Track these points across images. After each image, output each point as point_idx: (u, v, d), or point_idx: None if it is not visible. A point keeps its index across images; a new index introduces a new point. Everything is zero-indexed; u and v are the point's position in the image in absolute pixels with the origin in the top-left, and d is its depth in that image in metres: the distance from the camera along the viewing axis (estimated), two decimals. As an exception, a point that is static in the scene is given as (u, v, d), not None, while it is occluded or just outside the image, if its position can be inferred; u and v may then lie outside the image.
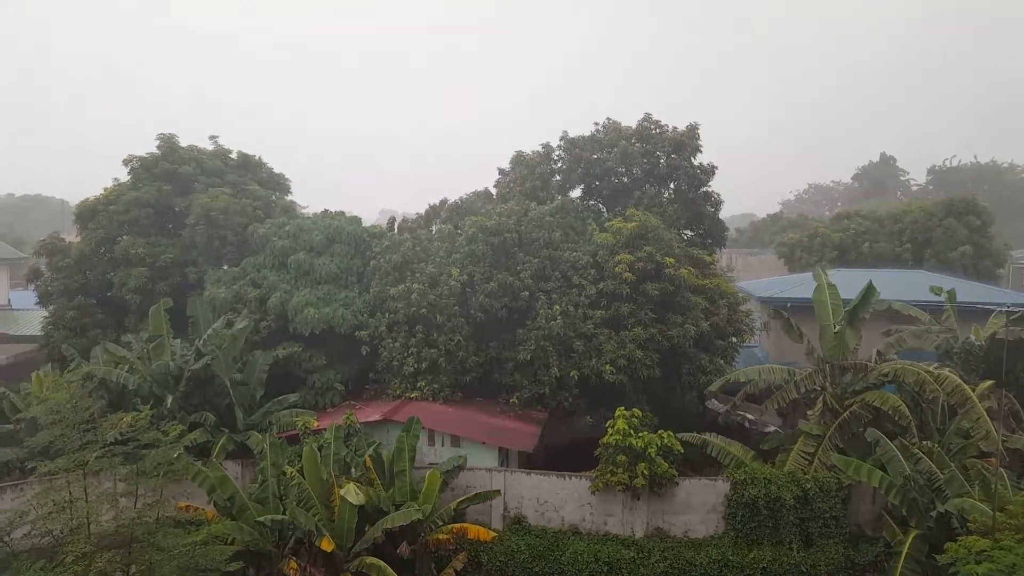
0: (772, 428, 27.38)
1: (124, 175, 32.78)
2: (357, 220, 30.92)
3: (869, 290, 22.10)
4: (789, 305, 29.79)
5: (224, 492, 18.66)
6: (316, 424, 22.52)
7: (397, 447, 20.34)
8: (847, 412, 20.94)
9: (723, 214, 33.55)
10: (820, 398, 21.80)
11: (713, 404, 29.34)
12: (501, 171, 34.79)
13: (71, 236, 34.69)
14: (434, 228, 32.19)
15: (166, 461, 16.29)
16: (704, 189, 32.03)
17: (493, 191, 34.85)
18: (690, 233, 32.02)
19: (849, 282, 26.28)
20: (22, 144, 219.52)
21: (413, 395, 25.09)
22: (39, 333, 31.83)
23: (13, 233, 70.19)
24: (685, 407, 26.41)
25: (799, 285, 33.60)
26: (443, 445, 23.21)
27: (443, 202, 34.49)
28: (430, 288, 25.78)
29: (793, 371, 22.98)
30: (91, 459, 15.22)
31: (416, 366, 25.19)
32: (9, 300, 50.34)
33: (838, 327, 21.99)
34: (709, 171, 31.83)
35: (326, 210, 32.21)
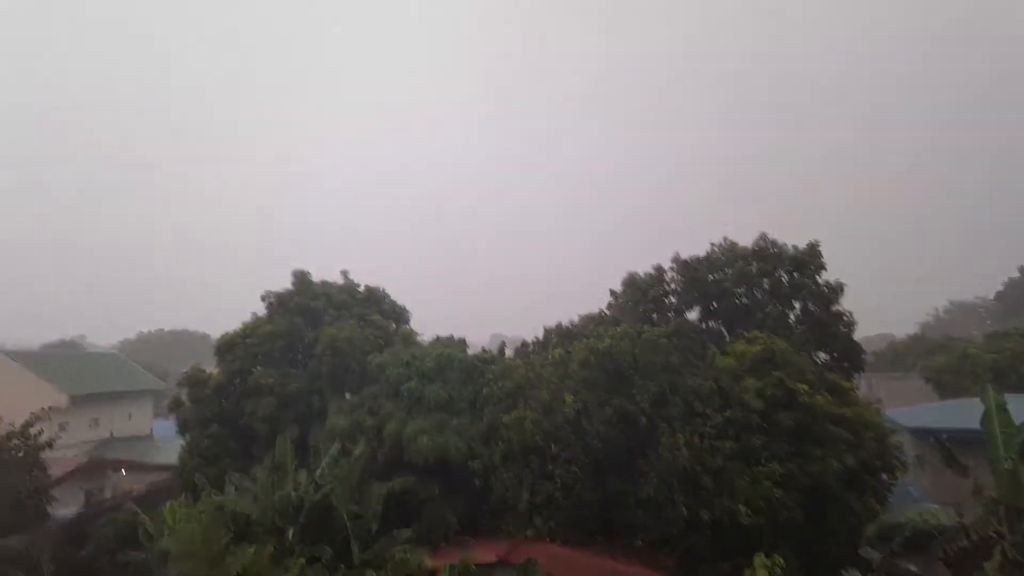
0: (939, 581, 23.82)
1: (262, 310, 35.04)
2: (466, 346, 31.28)
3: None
4: (945, 436, 26.72)
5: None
6: (431, 563, 21.73)
7: (513, 591, 19.16)
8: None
9: (857, 335, 31.26)
10: (997, 547, 18.82)
11: (867, 552, 26.03)
12: (613, 293, 34.48)
13: (211, 368, 36.98)
14: (548, 351, 31.95)
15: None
16: (834, 308, 30.14)
17: (605, 314, 34.44)
18: (823, 356, 29.94)
19: (1017, 409, 23.33)
20: (174, 282, 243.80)
21: (529, 533, 23.92)
22: (176, 463, 33.44)
23: (160, 366, 76.22)
24: (834, 555, 23.55)
25: (954, 413, 30.30)
26: (562, 589, 21.67)
27: (555, 326, 34.41)
28: (544, 416, 25.13)
29: (961, 514, 20.13)
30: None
31: (531, 500, 24.16)
32: (151, 430, 53.96)
33: (1011, 462, 19.27)
34: (837, 289, 29.99)
35: (438, 337, 32.86)
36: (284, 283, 35.06)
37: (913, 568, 21.96)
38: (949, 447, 21.99)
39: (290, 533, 22.34)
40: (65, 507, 33.65)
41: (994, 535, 19.09)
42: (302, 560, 19.84)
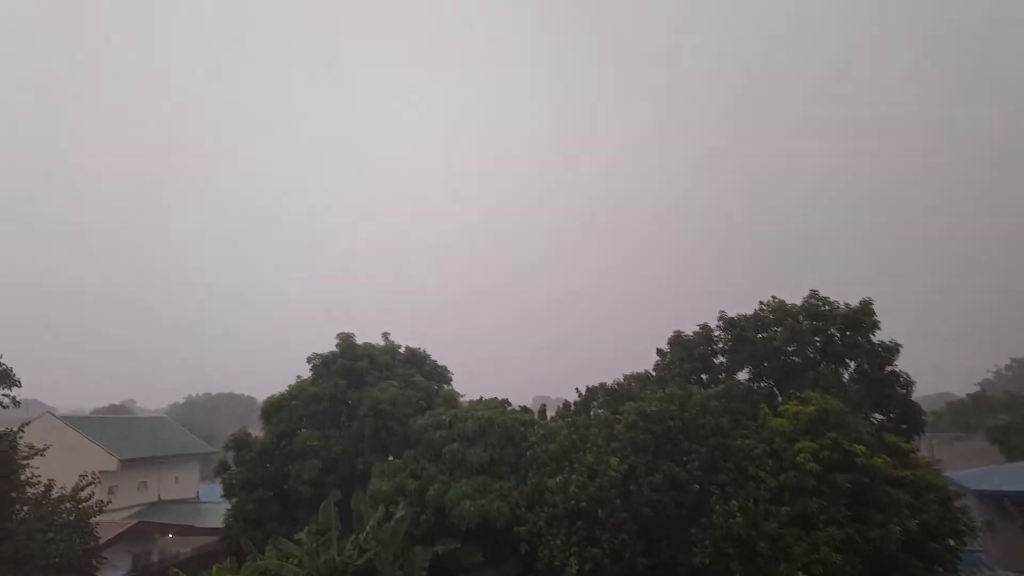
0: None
1: (307, 372, 35.43)
2: (509, 407, 30.99)
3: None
4: (1015, 500, 25.30)
5: None
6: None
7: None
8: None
9: (915, 395, 30.09)
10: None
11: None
12: (659, 352, 33.90)
13: (257, 431, 37.29)
14: (592, 412, 31.43)
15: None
16: (890, 368, 29.14)
17: (652, 374, 33.85)
18: (879, 417, 28.83)
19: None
20: (221, 345, 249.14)
21: (576, 602, 23.11)
22: (222, 526, 33.45)
23: (207, 429, 77.18)
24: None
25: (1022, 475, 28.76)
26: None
27: (599, 386, 33.92)
28: (589, 480, 24.57)
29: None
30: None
31: (579, 567, 23.42)
32: (198, 493, 54.31)
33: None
34: (892, 349, 28.99)
35: (481, 398, 32.69)
36: (329, 345, 35.54)
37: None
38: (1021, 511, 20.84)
39: (334, 599, 22.04)
40: (113, 570, 33.84)
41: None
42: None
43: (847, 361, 29.63)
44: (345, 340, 35.53)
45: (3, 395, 26.42)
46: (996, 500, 26.23)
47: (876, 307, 29.39)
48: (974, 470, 40.35)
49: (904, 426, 28.90)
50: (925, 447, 48.10)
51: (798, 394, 26.49)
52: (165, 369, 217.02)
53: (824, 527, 21.52)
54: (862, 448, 22.47)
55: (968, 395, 78.89)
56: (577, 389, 34.66)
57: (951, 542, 23.27)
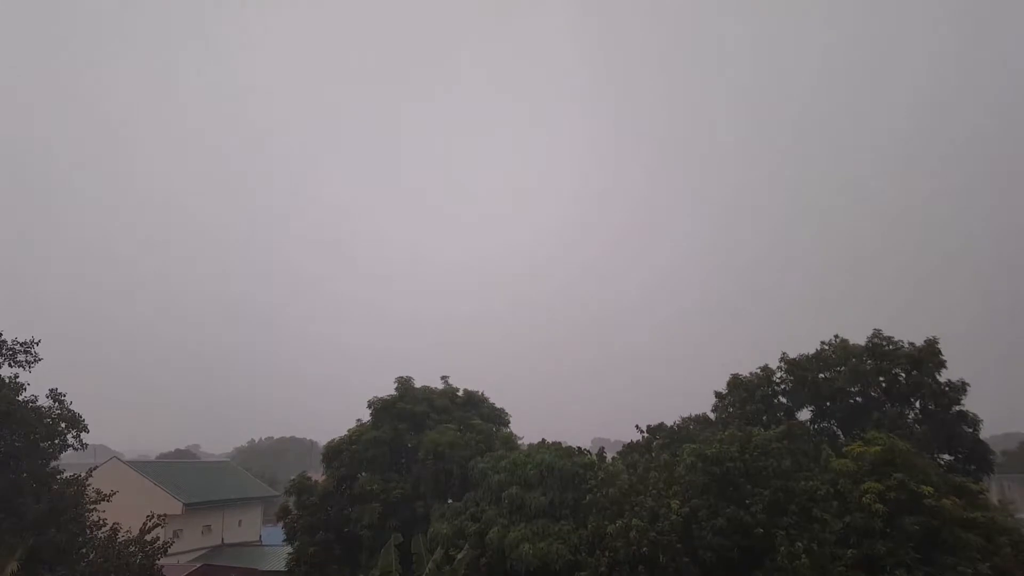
0: None
1: (367, 415, 36.19)
2: (569, 451, 31.07)
3: None
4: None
5: None
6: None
7: None
8: None
9: (983, 434, 29.28)
10: None
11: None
12: (718, 394, 33.74)
13: (318, 475, 38.06)
14: (653, 453, 31.33)
15: None
16: (957, 408, 28.47)
17: (711, 415, 33.67)
18: (947, 458, 28.11)
19: None
20: (283, 392, 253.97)
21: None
22: (284, 569, 34.05)
23: (269, 472, 78.64)
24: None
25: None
26: None
27: (658, 426, 33.86)
28: (650, 524, 24.47)
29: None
30: None
31: (642, 612, 23.25)
32: (260, 536, 55.22)
33: None
34: (960, 388, 28.41)
35: (543, 440, 32.83)
36: (388, 389, 36.32)
37: None
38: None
39: (397, 643, 22.32)
40: (179, 613, 34.62)
41: None
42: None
43: (912, 401, 29.15)
44: (404, 384, 36.26)
45: (72, 439, 27.38)
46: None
47: (943, 345, 28.95)
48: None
49: (972, 467, 28.16)
50: (995, 488, 46.19)
51: (862, 435, 26.10)
52: (229, 414, 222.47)
53: (892, 570, 21.02)
54: (930, 489, 21.98)
55: (1043, 435, 75.24)
56: (638, 426, 34.71)
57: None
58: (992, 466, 29.38)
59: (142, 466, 51.98)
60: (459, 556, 25.33)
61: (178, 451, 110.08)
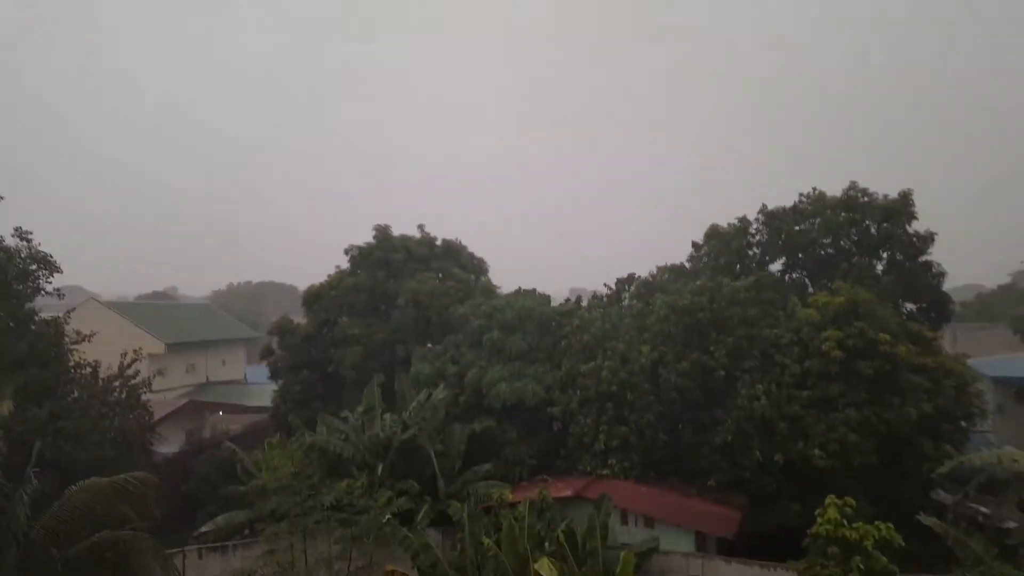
0: (1013, 525, 23.59)
1: (344, 262, 36.47)
2: (547, 299, 31.91)
3: None
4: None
5: (427, 559, 19.38)
6: (511, 497, 22.91)
7: (589, 525, 20.11)
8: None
9: (946, 285, 30.43)
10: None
11: (940, 495, 26.01)
12: (695, 245, 34.28)
13: (299, 318, 38.85)
14: (624, 302, 32.28)
15: (376, 526, 17.35)
16: (923, 259, 29.34)
17: (685, 266, 34.39)
18: (910, 307, 29.34)
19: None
20: (264, 236, 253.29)
21: (604, 472, 24.83)
22: (269, 405, 35.58)
23: (251, 316, 79.99)
24: (906, 498, 23.69)
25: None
26: (636, 525, 22.59)
27: (633, 276, 34.63)
28: (620, 366, 25.75)
29: (1042, 461, 19.88)
30: (310, 524, 16.49)
31: (607, 443, 25.01)
32: (245, 375, 57.14)
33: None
34: (927, 239, 29.11)
35: (519, 288, 33.58)
36: (365, 236, 36.39)
37: (985, 510, 21.87)
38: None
39: (379, 469, 23.98)
40: (168, 445, 36.27)
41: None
42: (391, 493, 21.27)
43: (881, 252, 29.87)
44: (382, 232, 36.26)
45: (46, 283, 27.10)
46: (1009, 385, 27.21)
47: (917, 198, 29.30)
48: (994, 358, 41.09)
49: (932, 315, 29.49)
50: (949, 336, 48.74)
51: (829, 285, 27.00)
52: (205, 257, 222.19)
53: (843, 410, 22.61)
54: (887, 337, 23.14)
55: (998, 286, 78.43)
56: (606, 284, 35.45)
57: (963, 424, 24.39)
58: (950, 316, 30.83)
59: (121, 307, 52.28)
60: (439, 395, 26.72)
61: (156, 293, 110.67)
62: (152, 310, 56.55)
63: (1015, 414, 24.46)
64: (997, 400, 29.81)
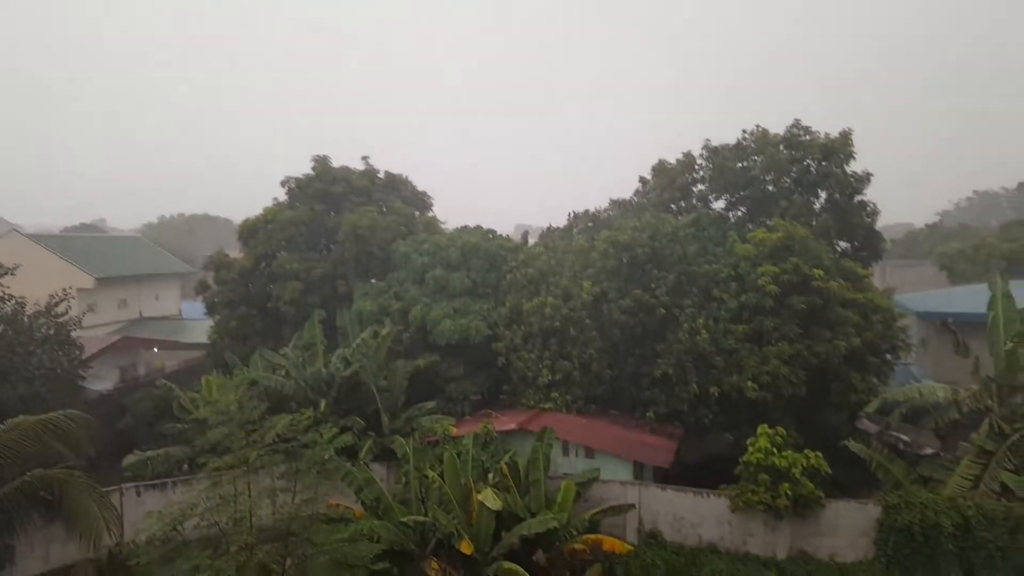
0: (929, 451, 25.25)
1: (282, 194, 35.33)
2: (492, 235, 31.64)
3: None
4: (951, 320, 27.47)
5: (371, 492, 19.56)
6: (455, 431, 23.18)
7: (532, 456, 20.55)
8: (1017, 435, 18.94)
9: (879, 224, 31.39)
10: (987, 420, 19.90)
11: (864, 424, 27.48)
12: (642, 180, 34.35)
13: (234, 252, 37.73)
14: (575, 236, 32.32)
15: (320, 461, 17.27)
16: (859, 198, 30.10)
17: (633, 201, 34.52)
18: (843, 245, 30.21)
19: (1021, 296, 23.88)
20: (195, 165, 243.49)
21: (547, 406, 25.31)
22: (206, 341, 34.79)
23: (184, 249, 77.32)
24: (833, 427, 24.93)
25: (962, 298, 30.93)
26: (577, 456, 23.21)
27: (582, 213, 34.66)
28: (564, 302, 25.96)
29: (956, 390, 21.14)
30: (253, 457, 16.34)
31: (550, 378, 25.41)
32: (180, 311, 55.57)
33: (1012, 344, 20.00)
34: (864, 179, 29.77)
35: (464, 226, 33.18)
36: (303, 168, 35.23)
37: (906, 438, 23.24)
38: (953, 330, 22.81)
39: (322, 405, 23.79)
40: (101, 382, 35.30)
41: (985, 408, 20.16)
42: (335, 429, 21.18)
43: (820, 191, 30.47)
44: (321, 163, 35.15)
45: None
46: (934, 321, 28.60)
47: (856, 139, 29.79)
48: (919, 293, 43.08)
49: (864, 253, 30.46)
50: (879, 272, 50.74)
51: (768, 222, 27.50)
52: (136, 188, 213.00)
53: (776, 343, 23.41)
54: (820, 272, 23.88)
55: (926, 225, 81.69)
56: (551, 226, 35.38)
57: (889, 356, 25.60)
58: (881, 253, 31.88)
59: (46, 239, 49.76)
60: (383, 332, 26.51)
61: (83, 225, 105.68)
62: (80, 243, 53.91)
63: (937, 347, 25.78)
64: (921, 334, 31.28)
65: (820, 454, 19.64)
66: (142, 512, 19.26)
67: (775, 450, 19.45)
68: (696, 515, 20.70)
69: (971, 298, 26.07)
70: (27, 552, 18.37)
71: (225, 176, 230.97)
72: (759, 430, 20.16)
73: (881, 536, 18.84)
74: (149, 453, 23.83)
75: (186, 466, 23.74)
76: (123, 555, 18.15)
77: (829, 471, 19.62)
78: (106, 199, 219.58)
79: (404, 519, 18.79)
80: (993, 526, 17.71)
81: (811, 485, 19.14)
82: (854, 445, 20.75)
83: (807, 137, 30.24)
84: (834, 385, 23.98)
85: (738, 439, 23.00)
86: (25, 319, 27.48)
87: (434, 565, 18.00)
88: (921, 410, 21.75)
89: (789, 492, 19.02)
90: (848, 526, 19.50)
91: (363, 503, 19.75)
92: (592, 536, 19.25)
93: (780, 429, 20.14)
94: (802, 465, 19.17)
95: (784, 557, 19.79)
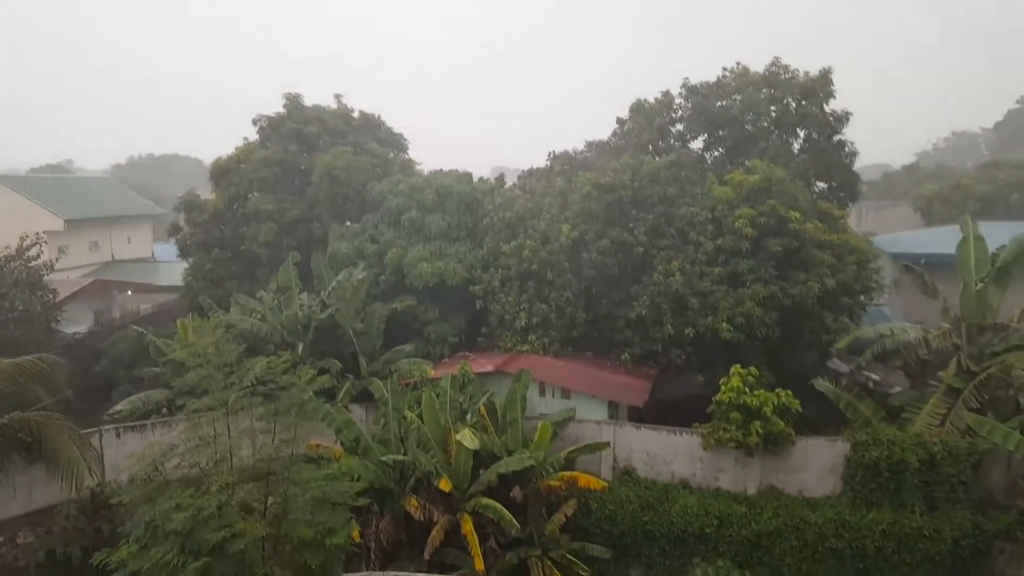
0: (898, 389, 25.95)
1: (253, 134, 34.51)
2: (468, 177, 31.28)
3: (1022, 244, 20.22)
4: (923, 261, 27.86)
5: (350, 433, 19.74)
6: (433, 373, 23.34)
7: (509, 397, 20.81)
8: (984, 374, 19.47)
9: (856, 165, 31.37)
10: (955, 358, 20.39)
11: (836, 364, 28.09)
12: (620, 120, 33.87)
13: (206, 193, 37.02)
14: (553, 178, 32.02)
15: (299, 402, 17.35)
16: (837, 138, 29.97)
17: (611, 142, 34.15)
18: (821, 185, 30.23)
19: (996, 237, 24.17)
20: (161, 103, 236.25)
21: (524, 348, 25.53)
22: (180, 284, 34.43)
23: (154, 190, 75.65)
24: (805, 367, 25.43)
25: (935, 239, 31.33)
26: (553, 397, 23.56)
27: (560, 154, 34.26)
28: (542, 245, 25.90)
29: (926, 330, 21.58)
30: (232, 398, 16.36)
31: (527, 321, 25.54)
32: (153, 253, 54.78)
33: (982, 284, 20.36)
34: (843, 118, 29.59)
35: (440, 169, 32.73)
36: (275, 107, 34.32)
37: (876, 377, 23.83)
38: (924, 271, 23.15)
39: (299, 348, 23.77)
40: (75, 325, 35.00)
41: (953, 347, 20.63)
42: (313, 371, 21.20)
43: (799, 131, 30.28)
44: (293, 101, 34.24)
45: None
46: (906, 261, 28.96)
47: (837, 77, 29.50)
48: (894, 235, 43.57)
49: (842, 194, 30.56)
50: (856, 214, 51.11)
51: (747, 163, 27.40)
52: (104, 128, 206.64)
53: (751, 285, 23.62)
54: (796, 215, 23.94)
55: (903, 166, 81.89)
56: (532, 168, 34.85)
57: (862, 298, 25.99)
58: (858, 194, 32.01)
59: (13, 181, 48.40)
60: (359, 274, 26.34)
61: (50, 166, 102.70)
62: (48, 184, 52.44)
63: (910, 288, 26.23)
64: (895, 275, 31.73)
65: (791, 393, 20.04)
66: (123, 453, 19.40)
67: (747, 389, 19.80)
68: (669, 452, 21.19)
69: (945, 239, 26.37)
70: (9, 494, 18.45)
71: (195, 115, 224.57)
72: (732, 370, 20.48)
73: (849, 472, 19.44)
74: (134, 397, 23.83)
75: (164, 409, 23.77)
76: (105, 495, 18.32)
77: (800, 409, 20.07)
78: (73, 139, 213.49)
79: (384, 458, 19.05)
80: (957, 462, 18.36)
81: (782, 423, 19.61)
82: (821, 384, 21.19)
83: (787, 76, 29.89)
84: (807, 326, 24.33)
85: (712, 379, 23.42)
86: None
87: (414, 502, 18.39)
88: (892, 350, 22.20)
89: (760, 430, 19.47)
90: (817, 462, 20.07)
91: (343, 443, 19.95)
92: (568, 473, 19.72)
93: (753, 369, 20.47)
94: (773, 404, 19.57)
95: (754, 492, 20.40)
